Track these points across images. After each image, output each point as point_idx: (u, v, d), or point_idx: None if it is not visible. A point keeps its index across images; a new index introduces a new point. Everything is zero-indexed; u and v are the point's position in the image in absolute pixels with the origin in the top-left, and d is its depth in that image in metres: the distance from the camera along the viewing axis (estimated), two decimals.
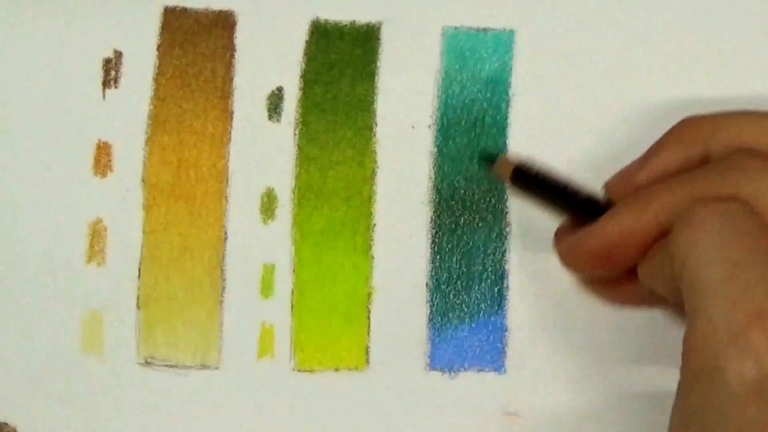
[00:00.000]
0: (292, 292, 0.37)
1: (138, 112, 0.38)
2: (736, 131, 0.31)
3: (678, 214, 0.30)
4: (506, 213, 0.38)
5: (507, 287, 0.38)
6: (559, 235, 0.35)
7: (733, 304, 0.27)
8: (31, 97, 0.38)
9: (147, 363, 0.37)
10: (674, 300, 0.31)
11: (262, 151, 0.38)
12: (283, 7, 0.39)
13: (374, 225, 0.38)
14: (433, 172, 0.38)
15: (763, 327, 0.27)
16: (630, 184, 0.34)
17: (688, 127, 0.33)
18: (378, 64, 0.39)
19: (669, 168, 0.33)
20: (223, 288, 0.37)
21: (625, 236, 0.31)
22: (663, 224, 0.31)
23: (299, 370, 0.37)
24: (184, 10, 0.39)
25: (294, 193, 0.38)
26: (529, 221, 0.38)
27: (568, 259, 0.33)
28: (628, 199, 0.32)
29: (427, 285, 0.38)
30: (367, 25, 0.39)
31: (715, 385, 0.27)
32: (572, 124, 0.38)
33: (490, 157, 0.37)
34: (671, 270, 0.29)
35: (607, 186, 0.35)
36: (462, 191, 0.38)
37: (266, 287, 0.37)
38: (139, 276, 0.37)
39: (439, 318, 0.37)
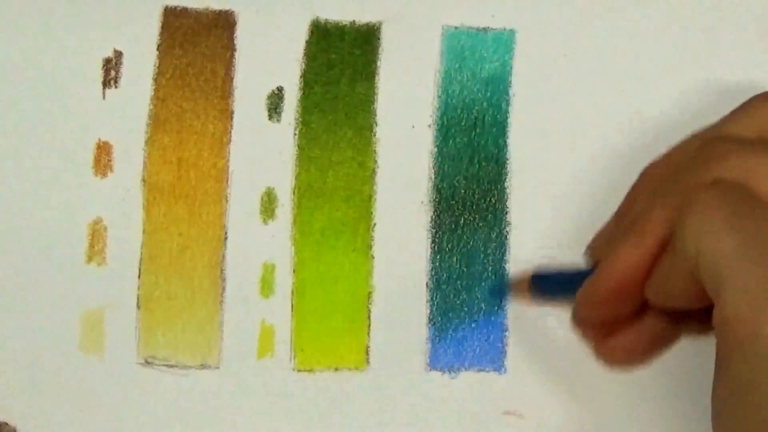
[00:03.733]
0: (292, 292, 0.37)
1: (138, 112, 0.38)
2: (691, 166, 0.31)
3: (672, 221, 0.30)
4: (506, 213, 0.38)
5: (507, 287, 0.38)
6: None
7: (756, 264, 0.27)
8: (31, 97, 0.38)
9: (147, 363, 0.37)
10: (690, 303, 0.30)
11: (262, 151, 0.38)
12: (283, 7, 0.39)
13: (374, 225, 0.38)
14: (433, 172, 0.38)
15: None
16: (608, 241, 0.34)
17: (650, 176, 0.33)
18: (378, 64, 0.39)
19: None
20: (223, 288, 0.37)
21: (632, 266, 0.31)
22: (663, 240, 0.30)
23: (299, 370, 0.37)
24: (184, 10, 0.39)
25: (294, 193, 0.38)
26: (529, 221, 0.38)
27: (583, 310, 0.33)
28: (623, 232, 0.31)
29: (427, 285, 0.38)
30: (367, 25, 0.39)
31: (758, 352, 0.26)
32: (572, 123, 0.38)
33: (500, 288, 0.37)
34: (683, 271, 0.29)
35: (590, 249, 0.35)
36: (462, 191, 0.38)
37: (266, 287, 0.37)
38: (139, 276, 0.37)
39: (439, 318, 0.37)
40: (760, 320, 0.26)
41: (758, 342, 0.26)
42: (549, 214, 0.38)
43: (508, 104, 0.39)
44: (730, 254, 0.27)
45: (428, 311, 0.37)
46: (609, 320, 0.34)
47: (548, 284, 0.35)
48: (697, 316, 0.31)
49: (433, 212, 0.38)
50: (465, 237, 0.38)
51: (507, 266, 0.38)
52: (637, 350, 0.34)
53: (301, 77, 0.39)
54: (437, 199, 0.38)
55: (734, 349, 0.27)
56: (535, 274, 0.35)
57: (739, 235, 0.27)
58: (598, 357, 0.34)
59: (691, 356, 0.37)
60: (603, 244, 0.34)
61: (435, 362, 0.37)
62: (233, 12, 0.39)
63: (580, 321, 0.34)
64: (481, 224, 0.38)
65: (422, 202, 0.38)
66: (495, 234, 0.38)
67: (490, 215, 0.38)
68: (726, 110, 0.39)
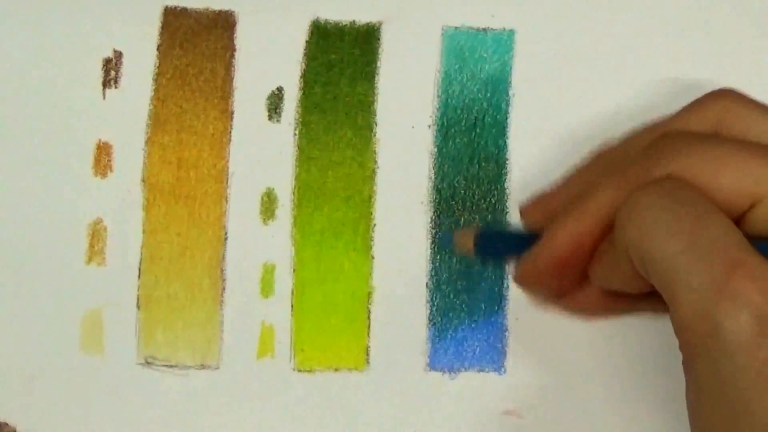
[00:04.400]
0: (292, 292, 0.37)
1: (138, 112, 0.38)
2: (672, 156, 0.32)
3: (617, 206, 0.30)
4: (506, 213, 0.38)
5: (507, 287, 0.38)
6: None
7: (706, 262, 0.27)
8: (31, 97, 0.38)
9: (147, 363, 0.37)
10: (632, 290, 0.31)
11: (262, 151, 0.38)
12: (283, 7, 0.39)
13: (374, 225, 0.38)
14: (433, 172, 0.38)
15: (743, 273, 0.26)
16: (546, 208, 0.34)
17: (601, 156, 0.34)
18: (378, 64, 0.39)
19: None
20: (223, 288, 0.37)
21: (573, 241, 0.31)
22: (606, 220, 0.31)
23: (299, 370, 0.37)
24: (184, 10, 0.39)
25: (294, 193, 0.38)
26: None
27: (524, 279, 0.34)
28: (567, 207, 0.32)
29: (427, 285, 0.38)
30: (367, 25, 0.39)
31: (719, 348, 0.27)
32: (572, 124, 0.38)
33: (446, 238, 0.37)
34: (626, 263, 0.29)
35: (521, 209, 0.35)
36: (462, 191, 0.38)
37: (266, 287, 0.37)
38: (139, 276, 0.37)
39: (439, 318, 0.37)
40: (717, 316, 0.26)
41: (718, 337, 0.26)
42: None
43: (508, 104, 0.39)
44: (679, 255, 0.27)
45: (428, 311, 0.37)
46: (551, 293, 0.34)
47: (492, 243, 0.35)
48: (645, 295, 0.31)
49: (433, 212, 0.38)
50: None
51: (507, 266, 0.38)
52: (591, 308, 0.34)
53: (301, 77, 0.39)
54: (437, 199, 0.38)
55: (696, 348, 0.27)
56: (481, 232, 0.36)
57: (685, 236, 0.28)
58: (552, 308, 0.35)
59: None
60: (539, 212, 0.35)
61: (435, 362, 0.37)
62: (233, 12, 0.39)
63: (527, 284, 0.34)
64: (481, 224, 0.38)
65: (422, 202, 0.38)
66: None
67: (490, 215, 0.38)
68: None
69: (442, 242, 0.37)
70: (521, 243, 0.34)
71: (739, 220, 0.29)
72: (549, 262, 0.32)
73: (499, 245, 0.36)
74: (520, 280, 0.34)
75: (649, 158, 0.30)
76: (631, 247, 0.29)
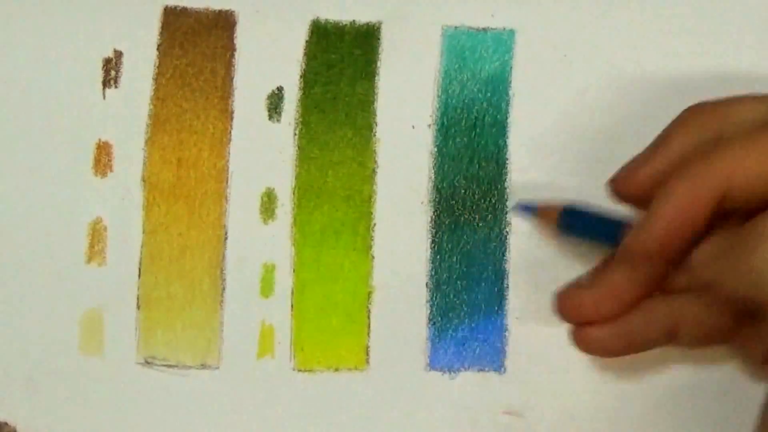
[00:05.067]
0: (292, 292, 0.37)
1: (138, 112, 0.38)
2: (750, 111, 0.29)
3: (737, 183, 0.27)
4: (506, 213, 0.38)
5: (507, 287, 0.38)
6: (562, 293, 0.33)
7: None
8: (31, 97, 0.38)
9: (147, 363, 0.37)
10: (743, 292, 0.28)
11: (262, 151, 0.38)
12: (283, 7, 0.39)
13: (374, 225, 0.38)
14: (433, 172, 0.38)
15: None
16: (638, 179, 0.32)
17: (697, 112, 0.31)
18: (378, 64, 0.39)
19: (684, 155, 0.30)
20: (223, 288, 0.37)
21: (687, 216, 0.28)
22: (721, 197, 0.28)
23: (299, 370, 0.37)
24: (184, 10, 0.39)
25: (294, 193, 0.38)
26: (529, 221, 0.38)
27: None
28: (679, 177, 0.29)
29: (427, 285, 0.38)
30: (367, 25, 0.39)
31: None
32: (572, 123, 0.38)
33: (527, 208, 0.36)
34: (762, 261, 0.27)
35: (613, 183, 0.33)
36: (462, 191, 0.38)
37: (266, 287, 0.37)
38: (139, 276, 0.37)
39: (439, 318, 0.37)
40: None
41: None
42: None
43: (508, 104, 0.39)
44: None
45: (428, 311, 0.37)
46: (649, 282, 0.31)
47: (577, 222, 0.34)
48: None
49: (433, 212, 0.38)
50: (465, 237, 0.38)
51: (507, 266, 0.38)
52: (610, 347, 0.32)
53: (301, 77, 0.39)
54: (437, 199, 0.38)
55: None
56: (567, 208, 0.35)
57: None
58: (573, 340, 0.33)
59: (690, 359, 0.37)
60: (632, 179, 0.32)
61: (435, 362, 0.37)
62: (233, 12, 0.39)
63: (563, 298, 0.32)
64: (481, 224, 0.38)
65: (422, 202, 0.38)
66: (495, 234, 0.38)
67: (490, 215, 0.38)
68: None
69: (521, 211, 0.37)
70: (607, 226, 0.33)
71: None
72: (660, 241, 0.29)
73: (584, 224, 0.34)
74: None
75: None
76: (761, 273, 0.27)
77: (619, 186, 0.33)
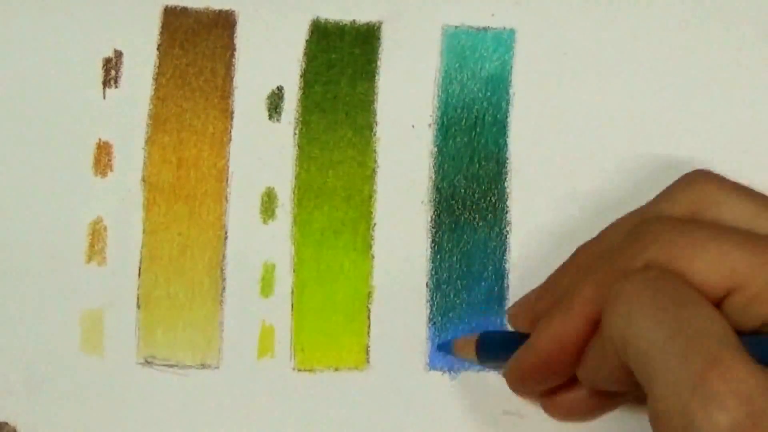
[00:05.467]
0: (292, 292, 0.37)
1: (138, 112, 0.38)
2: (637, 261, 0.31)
3: (602, 303, 0.30)
4: (506, 213, 0.38)
5: (507, 287, 0.38)
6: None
7: (683, 357, 0.26)
8: (31, 97, 0.38)
9: (147, 363, 0.37)
10: (621, 388, 0.31)
11: (262, 151, 0.38)
12: (283, 7, 0.39)
13: (374, 225, 0.38)
14: (433, 171, 0.38)
15: (720, 372, 0.26)
16: (531, 311, 0.34)
17: (582, 254, 0.34)
18: (378, 63, 0.39)
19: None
20: (223, 288, 0.37)
21: (559, 342, 0.31)
22: (591, 318, 0.30)
23: (299, 370, 0.37)
24: (184, 10, 0.39)
25: (294, 193, 0.38)
26: (529, 221, 0.38)
27: (513, 379, 0.34)
28: (551, 309, 0.32)
29: (427, 285, 0.38)
30: (367, 24, 0.39)
31: None
32: (572, 123, 0.38)
33: (445, 348, 0.37)
34: (613, 357, 0.29)
35: (510, 317, 0.36)
36: (462, 191, 0.38)
37: (266, 287, 0.37)
38: (139, 276, 0.37)
39: (439, 318, 0.37)
40: (690, 415, 0.26)
41: None
42: (549, 214, 0.38)
43: (508, 104, 0.39)
44: (658, 347, 0.27)
45: (428, 311, 0.37)
46: (540, 391, 0.34)
47: (493, 346, 0.35)
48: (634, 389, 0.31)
49: (433, 212, 0.38)
50: (465, 237, 0.38)
51: (507, 266, 0.38)
52: (578, 410, 0.34)
53: (301, 77, 0.39)
54: (437, 199, 0.38)
55: None
56: (482, 336, 0.36)
57: (665, 326, 0.27)
58: (543, 409, 0.35)
59: None
60: (526, 315, 0.35)
61: (435, 362, 0.37)
62: (233, 12, 0.39)
63: (515, 387, 0.35)
64: (481, 224, 0.38)
65: (422, 202, 0.38)
66: (495, 234, 0.38)
67: (490, 215, 0.38)
68: (725, 109, 0.39)
69: (442, 349, 0.37)
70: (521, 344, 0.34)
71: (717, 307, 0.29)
72: (535, 365, 0.32)
73: (500, 348, 0.35)
74: (509, 383, 0.34)
75: (627, 247, 0.30)
76: (615, 336, 0.28)
77: (512, 320, 0.36)
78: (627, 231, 0.31)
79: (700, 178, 0.32)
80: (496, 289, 0.38)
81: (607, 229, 0.34)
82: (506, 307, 0.37)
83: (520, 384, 0.34)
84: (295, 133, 0.38)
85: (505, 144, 0.38)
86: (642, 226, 0.30)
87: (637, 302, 0.28)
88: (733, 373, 0.26)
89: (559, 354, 0.31)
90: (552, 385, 0.33)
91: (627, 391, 0.31)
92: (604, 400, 0.34)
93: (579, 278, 0.31)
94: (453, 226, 0.38)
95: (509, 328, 0.37)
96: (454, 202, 0.38)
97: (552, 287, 0.34)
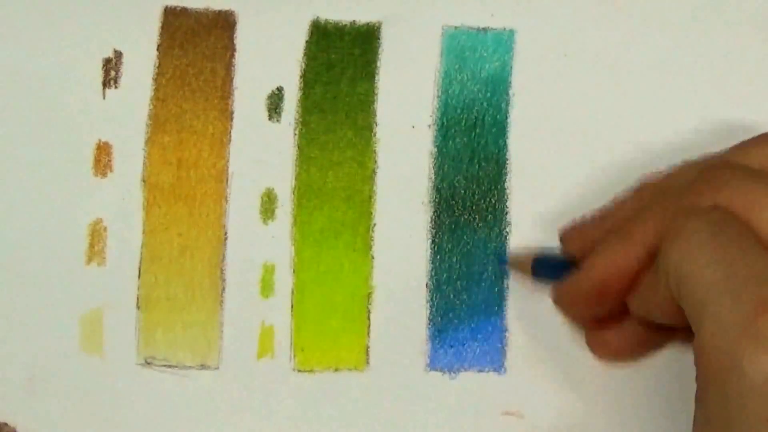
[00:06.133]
0: (292, 292, 0.37)
1: (138, 112, 0.38)
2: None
3: (660, 236, 0.30)
4: (506, 213, 0.38)
5: (507, 287, 0.38)
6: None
7: (736, 298, 0.27)
8: (31, 97, 0.38)
9: (147, 363, 0.37)
10: (670, 321, 0.31)
11: (262, 151, 0.38)
12: (283, 7, 0.39)
13: (374, 225, 0.38)
14: (433, 172, 0.38)
15: None
16: (586, 235, 0.34)
17: (647, 188, 0.34)
18: (378, 64, 0.39)
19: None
20: (223, 288, 0.37)
21: (615, 271, 0.31)
22: (650, 249, 0.31)
23: (299, 370, 0.37)
24: (184, 10, 0.39)
25: (294, 193, 0.38)
26: (529, 221, 0.38)
27: (564, 302, 0.34)
28: (610, 236, 0.32)
29: (427, 285, 0.38)
30: (367, 25, 0.39)
31: (733, 383, 0.26)
32: (572, 123, 0.38)
33: (503, 259, 0.37)
34: (666, 290, 0.29)
35: (562, 235, 0.36)
36: (462, 192, 0.38)
37: (266, 287, 0.37)
38: (139, 276, 0.37)
39: (439, 318, 0.37)
40: (738, 355, 0.26)
41: (734, 378, 0.26)
42: (549, 214, 0.38)
43: (508, 104, 0.39)
44: (713, 285, 0.27)
45: (428, 311, 0.37)
46: (589, 318, 0.34)
47: (549, 269, 0.35)
48: (681, 329, 0.31)
49: (433, 212, 0.38)
50: (465, 237, 0.38)
51: (507, 266, 0.38)
52: (624, 348, 0.34)
53: (301, 77, 0.39)
54: (437, 199, 0.38)
55: (711, 381, 0.27)
56: (537, 258, 0.36)
57: (723, 267, 0.27)
58: (588, 347, 0.35)
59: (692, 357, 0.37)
60: (579, 239, 0.35)
61: (435, 362, 0.37)
62: (233, 12, 0.39)
63: (565, 309, 0.34)
64: (481, 224, 0.38)
65: (422, 202, 0.38)
66: (495, 234, 0.38)
67: (490, 215, 0.38)
68: (725, 109, 0.39)
69: (500, 261, 0.37)
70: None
71: None
72: (590, 290, 0.32)
73: (556, 270, 0.35)
74: (558, 302, 0.34)
75: (697, 188, 0.30)
76: (671, 270, 0.29)
77: (565, 242, 0.36)
78: (696, 173, 0.31)
79: None
80: (496, 289, 0.38)
81: (675, 168, 0.34)
82: (558, 227, 0.36)
83: (570, 307, 0.34)
84: (295, 134, 0.38)
85: (505, 144, 0.38)
86: (715, 170, 0.30)
87: (697, 240, 0.28)
88: None
89: (615, 281, 0.31)
90: (602, 311, 0.33)
91: (674, 325, 0.31)
92: (650, 337, 0.34)
93: (642, 209, 0.31)
94: (453, 226, 0.38)
95: (509, 329, 0.37)
96: (454, 202, 0.38)
97: (611, 215, 0.34)
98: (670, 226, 0.29)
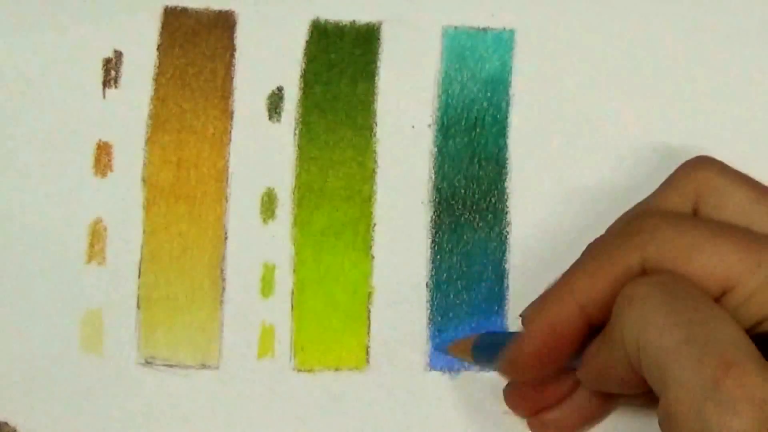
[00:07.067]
0: (292, 292, 0.37)
1: (138, 112, 0.38)
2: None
3: (594, 294, 0.30)
4: (506, 213, 0.38)
5: (507, 287, 0.38)
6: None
7: (699, 361, 0.26)
8: (31, 97, 0.38)
9: (147, 363, 0.37)
10: (628, 390, 0.31)
11: (262, 151, 0.38)
12: (283, 7, 0.39)
13: (374, 225, 0.38)
14: (433, 172, 0.38)
15: (735, 377, 0.26)
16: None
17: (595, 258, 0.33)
18: (378, 64, 0.39)
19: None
20: (223, 288, 0.37)
21: (551, 330, 0.31)
22: (582, 307, 0.31)
23: (299, 370, 0.37)
24: (184, 10, 0.39)
25: (294, 193, 0.38)
26: (529, 221, 0.38)
27: (507, 369, 0.33)
28: (544, 295, 0.32)
29: (427, 285, 0.38)
30: (367, 25, 0.39)
31: None
32: (572, 123, 0.38)
33: (442, 349, 0.37)
34: (622, 359, 0.29)
35: (523, 317, 0.35)
36: (462, 191, 0.38)
37: (266, 287, 0.37)
38: (139, 276, 0.37)
39: (439, 318, 0.37)
40: (706, 418, 0.26)
41: None
42: (549, 214, 0.38)
43: (508, 104, 0.39)
44: (673, 350, 0.27)
45: (428, 311, 0.37)
46: (534, 383, 0.34)
47: (490, 348, 0.35)
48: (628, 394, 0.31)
49: (433, 212, 0.38)
50: (465, 237, 0.38)
51: (507, 266, 0.38)
52: (569, 426, 0.34)
53: (301, 77, 0.39)
54: (437, 199, 0.38)
55: None
56: (479, 338, 0.36)
57: (680, 329, 0.27)
58: (531, 430, 0.35)
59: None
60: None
61: (435, 362, 0.37)
62: (233, 12, 0.39)
63: (510, 394, 0.35)
64: (481, 224, 0.38)
65: (422, 202, 0.38)
66: (495, 234, 0.38)
67: (490, 215, 0.38)
68: (726, 110, 0.39)
69: (438, 349, 0.37)
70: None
71: None
72: (530, 352, 0.32)
73: (496, 349, 0.35)
74: (504, 371, 0.34)
75: (623, 243, 0.30)
76: (627, 338, 0.29)
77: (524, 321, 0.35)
78: (623, 225, 0.31)
79: (701, 165, 0.32)
80: (496, 289, 0.38)
81: (613, 223, 0.34)
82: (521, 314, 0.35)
83: (514, 373, 0.34)
84: (295, 134, 0.38)
85: (505, 144, 0.38)
86: (639, 220, 0.30)
87: (650, 305, 0.28)
88: (747, 378, 0.26)
89: (553, 341, 0.31)
90: (546, 373, 0.33)
91: (631, 393, 0.31)
92: (593, 412, 0.34)
93: (574, 265, 0.32)
94: (453, 226, 0.38)
95: (509, 329, 0.37)
96: (454, 202, 0.38)
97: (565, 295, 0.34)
98: (619, 296, 0.29)
